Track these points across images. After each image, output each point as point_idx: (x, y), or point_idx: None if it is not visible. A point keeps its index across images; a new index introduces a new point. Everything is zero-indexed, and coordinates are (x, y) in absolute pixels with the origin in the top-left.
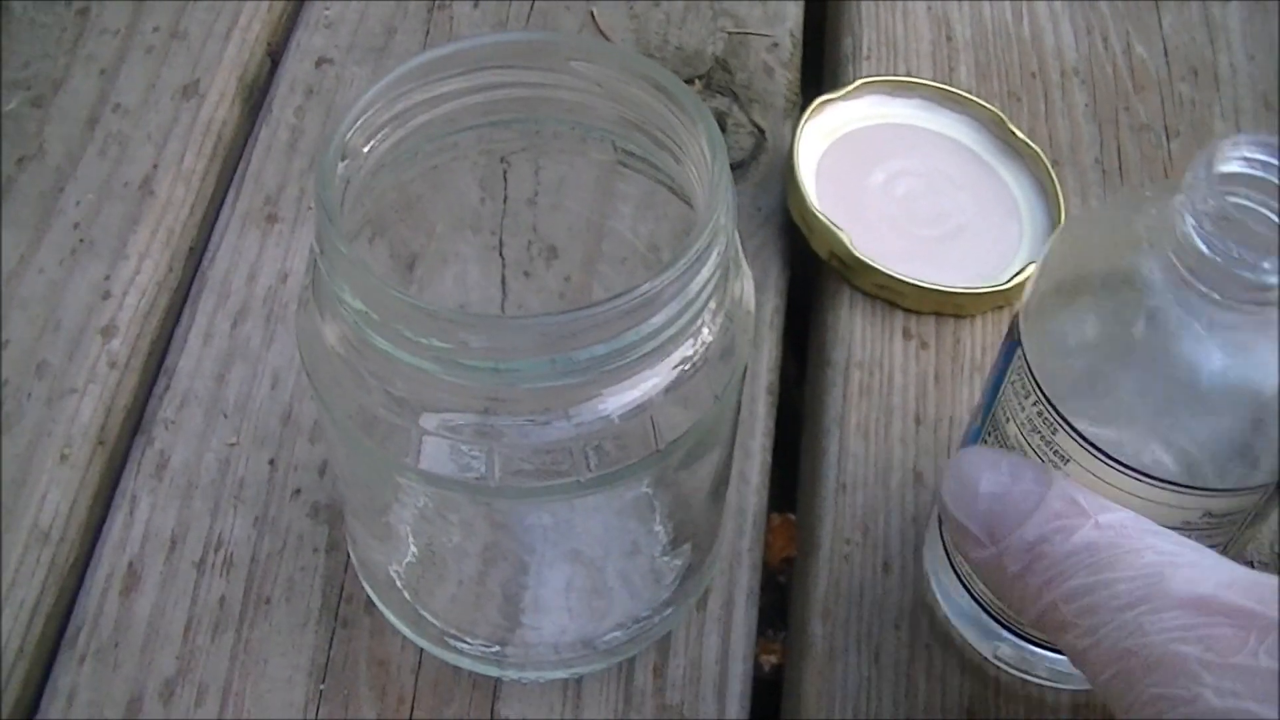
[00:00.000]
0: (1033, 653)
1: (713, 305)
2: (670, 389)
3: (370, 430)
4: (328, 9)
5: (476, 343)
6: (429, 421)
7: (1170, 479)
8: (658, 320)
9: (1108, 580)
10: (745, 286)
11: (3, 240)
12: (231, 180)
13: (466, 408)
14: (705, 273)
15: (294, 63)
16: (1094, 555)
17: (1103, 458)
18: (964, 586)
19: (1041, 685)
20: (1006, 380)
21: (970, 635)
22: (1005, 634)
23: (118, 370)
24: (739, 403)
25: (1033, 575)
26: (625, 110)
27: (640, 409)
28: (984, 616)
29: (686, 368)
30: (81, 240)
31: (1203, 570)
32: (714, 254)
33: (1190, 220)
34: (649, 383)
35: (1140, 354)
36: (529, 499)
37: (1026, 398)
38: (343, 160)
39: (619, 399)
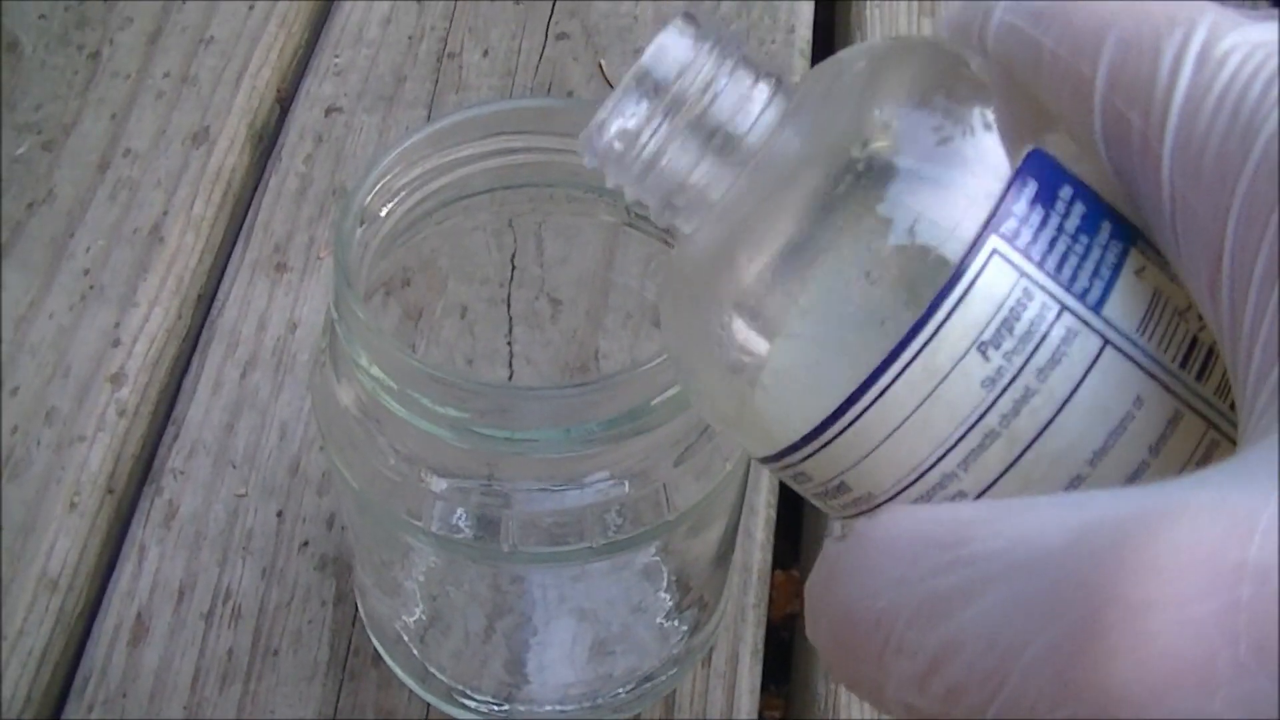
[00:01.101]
0: None
1: None
2: (682, 458)
3: (383, 492)
4: (337, 56)
5: (492, 412)
6: (442, 486)
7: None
8: (671, 391)
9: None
10: None
11: (13, 285)
12: (241, 228)
13: (480, 474)
14: None
15: (303, 110)
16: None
17: (837, 430)
18: None
19: None
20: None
21: None
22: None
23: (126, 418)
24: (748, 467)
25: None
26: None
27: (652, 478)
28: None
29: (698, 437)
30: (91, 286)
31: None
32: None
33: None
34: (661, 452)
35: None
36: (540, 565)
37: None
38: (361, 225)
39: (631, 467)
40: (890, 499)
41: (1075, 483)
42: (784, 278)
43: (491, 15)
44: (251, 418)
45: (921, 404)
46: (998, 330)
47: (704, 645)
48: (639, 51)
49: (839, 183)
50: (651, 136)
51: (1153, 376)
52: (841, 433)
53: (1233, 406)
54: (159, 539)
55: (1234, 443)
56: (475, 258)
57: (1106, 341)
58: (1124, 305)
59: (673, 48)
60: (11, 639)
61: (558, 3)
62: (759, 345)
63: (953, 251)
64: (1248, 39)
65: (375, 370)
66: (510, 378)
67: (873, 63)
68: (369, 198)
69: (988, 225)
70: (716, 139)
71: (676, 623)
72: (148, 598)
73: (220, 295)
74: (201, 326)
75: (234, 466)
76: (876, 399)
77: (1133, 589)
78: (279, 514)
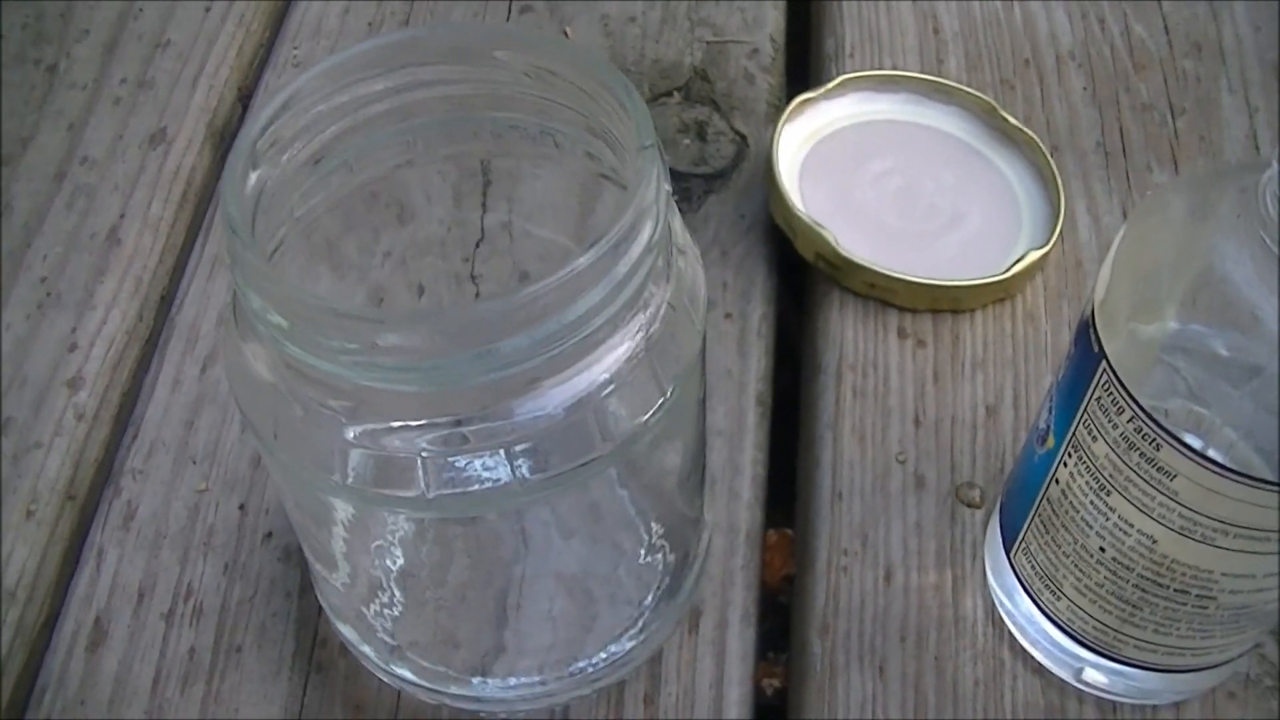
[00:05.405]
0: (1121, 672)
1: (651, 289)
2: (613, 380)
3: (300, 450)
4: (296, 48)
5: (392, 342)
6: (355, 434)
7: None
8: (586, 303)
9: None
10: (692, 270)
11: None
12: (201, 226)
13: (393, 416)
14: (635, 252)
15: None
16: None
17: (1215, 469)
18: (1041, 610)
19: (1117, 703)
20: (1088, 396)
21: (1048, 660)
22: (1092, 656)
23: (85, 423)
24: (701, 393)
25: None
26: (557, 97)
27: (582, 403)
28: (1066, 640)
29: (629, 356)
30: (48, 294)
31: None
32: (643, 232)
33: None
34: (589, 374)
35: (1248, 357)
36: (467, 510)
37: (1120, 414)
38: (255, 169)
39: (558, 394)
40: None
41: None
42: None
43: None
44: (212, 413)
45: None
46: None
47: (682, 597)
48: (605, 18)
49: None
50: None
51: None
52: None
53: None
54: (118, 541)
55: None
56: (431, 228)
57: None
58: None
59: None
60: None
61: None
62: None
63: None
64: None
65: (272, 315)
66: None
67: None
68: (262, 139)
69: None
70: None
71: (648, 555)
72: (106, 601)
73: (180, 292)
74: (163, 326)
75: (194, 463)
76: None
77: None
78: (241, 507)
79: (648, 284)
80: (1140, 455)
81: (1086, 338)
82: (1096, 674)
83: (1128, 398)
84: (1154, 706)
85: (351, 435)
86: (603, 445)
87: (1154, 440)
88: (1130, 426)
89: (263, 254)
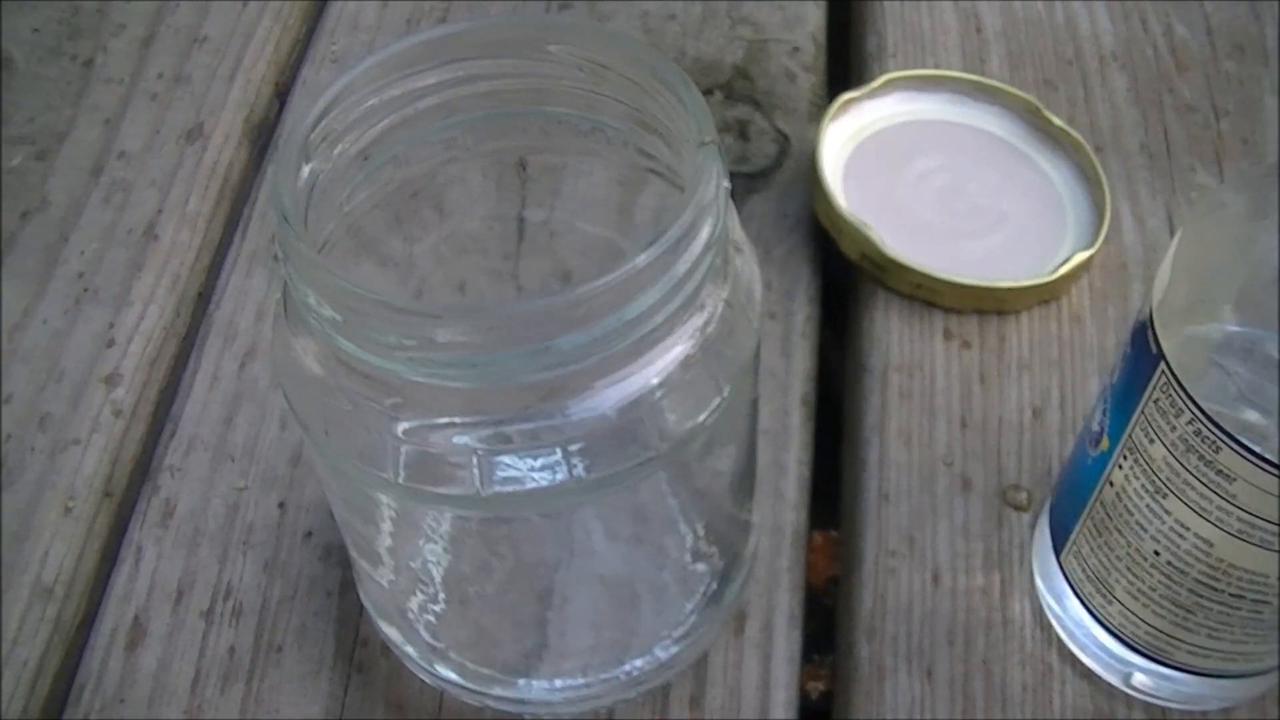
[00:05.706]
0: (1171, 677)
1: (709, 288)
2: (669, 380)
3: (351, 446)
4: (334, 44)
5: (447, 337)
6: (406, 430)
7: None
8: (644, 302)
9: None
10: (749, 268)
11: (7, 293)
12: (239, 222)
13: (445, 413)
14: (694, 250)
15: (301, 100)
16: None
17: (1276, 472)
18: (1091, 614)
19: (1167, 708)
20: (1146, 398)
21: (1097, 665)
22: (1142, 661)
23: (123, 419)
24: (755, 394)
25: None
26: (609, 92)
27: (636, 404)
28: (1116, 645)
29: (685, 356)
30: (85, 289)
31: None
32: (702, 231)
33: None
34: (644, 374)
35: None
36: (519, 509)
37: (1178, 416)
38: (307, 163)
39: (612, 394)
40: None
41: None
42: None
43: None
44: (250, 410)
45: None
46: None
47: (730, 602)
48: (644, 15)
49: None
50: None
51: None
52: None
53: None
54: (156, 538)
55: None
56: (474, 224)
57: None
58: None
59: None
60: (5, 650)
61: None
62: None
63: None
64: None
65: (325, 309)
66: None
67: None
68: (314, 132)
69: None
70: None
71: (696, 563)
72: (145, 599)
73: (218, 289)
74: (200, 322)
75: (233, 460)
76: None
77: None
78: (280, 505)
79: (705, 283)
80: (1199, 458)
81: (1144, 338)
82: (1146, 679)
83: (1187, 400)
84: (1203, 712)
85: (402, 431)
86: (659, 445)
87: (1213, 443)
88: (1189, 429)
89: (314, 248)
